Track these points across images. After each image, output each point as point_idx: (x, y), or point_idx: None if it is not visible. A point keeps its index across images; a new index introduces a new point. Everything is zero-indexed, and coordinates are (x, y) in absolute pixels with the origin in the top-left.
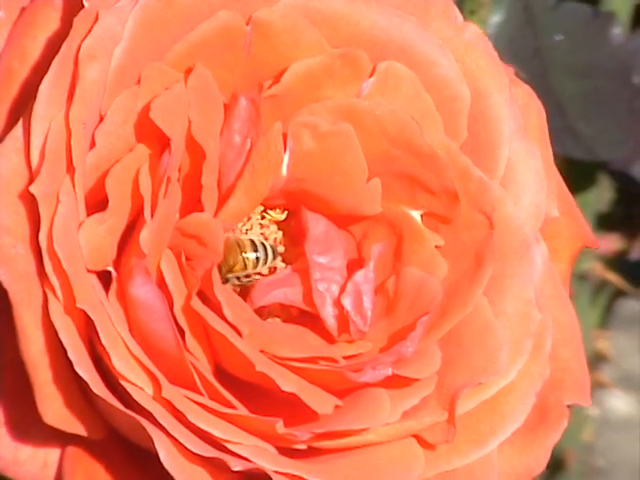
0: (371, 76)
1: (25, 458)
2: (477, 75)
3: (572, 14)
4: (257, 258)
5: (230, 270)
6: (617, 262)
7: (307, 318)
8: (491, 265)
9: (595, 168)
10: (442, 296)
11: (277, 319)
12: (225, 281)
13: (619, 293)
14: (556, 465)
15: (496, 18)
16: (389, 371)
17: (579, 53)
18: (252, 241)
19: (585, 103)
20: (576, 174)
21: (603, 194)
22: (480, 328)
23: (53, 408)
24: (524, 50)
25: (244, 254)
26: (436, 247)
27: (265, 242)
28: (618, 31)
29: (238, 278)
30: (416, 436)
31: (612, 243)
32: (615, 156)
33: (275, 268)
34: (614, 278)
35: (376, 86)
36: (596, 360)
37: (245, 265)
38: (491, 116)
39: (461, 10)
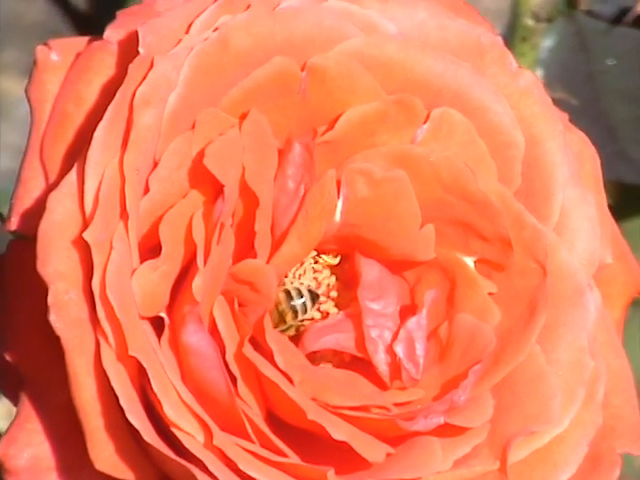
0: (425, 122)
1: None
2: (531, 121)
3: (624, 38)
4: (294, 308)
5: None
6: None
7: (359, 364)
8: (544, 312)
9: None
10: (495, 343)
11: (329, 364)
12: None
13: None
14: None
15: (548, 43)
16: (441, 420)
17: (631, 77)
18: (287, 291)
19: (637, 127)
20: (629, 198)
21: None
22: (533, 376)
23: (104, 454)
24: (576, 75)
25: (279, 307)
26: (489, 294)
27: (301, 287)
28: None
29: (282, 331)
30: None
31: None
32: None
33: (328, 313)
34: None
35: (430, 132)
36: None
37: (282, 318)
38: (545, 163)
39: (513, 37)
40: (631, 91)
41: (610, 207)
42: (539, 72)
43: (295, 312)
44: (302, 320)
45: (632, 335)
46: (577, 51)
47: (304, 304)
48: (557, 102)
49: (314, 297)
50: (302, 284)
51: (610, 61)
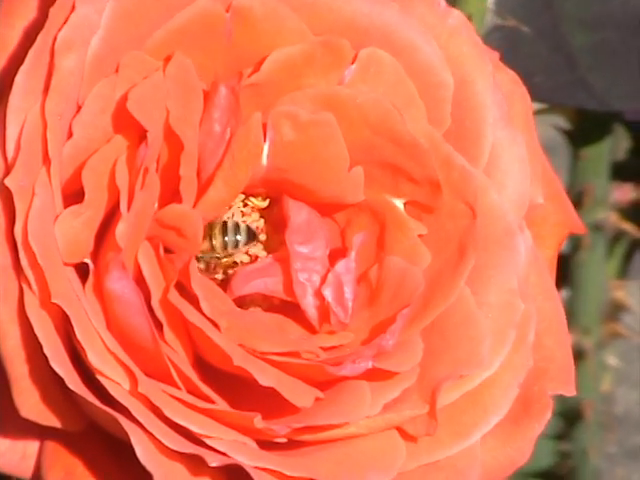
0: (353, 63)
1: (4, 449)
2: (461, 62)
3: None
4: (225, 241)
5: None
6: (633, 212)
7: (289, 308)
8: (474, 255)
9: (609, 118)
10: (424, 286)
11: (258, 308)
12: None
13: (636, 243)
14: (574, 416)
15: None
16: (369, 364)
17: (590, 5)
18: (224, 223)
19: (597, 54)
20: (590, 124)
21: (618, 144)
22: (463, 319)
23: (30, 402)
24: (535, 2)
25: (212, 236)
26: (419, 236)
27: (241, 224)
28: None
29: (206, 261)
30: (398, 428)
31: (628, 193)
32: (628, 107)
33: (257, 257)
34: (630, 228)
35: (358, 73)
36: (614, 310)
37: (212, 247)
38: (475, 104)
39: None
40: (590, 18)
41: (570, 134)
42: None
43: (225, 246)
44: (228, 255)
45: (595, 261)
46: None
47: (236, 240)
48: (509, 31)
49: (250, 237)
50: (244, 222)
51: None
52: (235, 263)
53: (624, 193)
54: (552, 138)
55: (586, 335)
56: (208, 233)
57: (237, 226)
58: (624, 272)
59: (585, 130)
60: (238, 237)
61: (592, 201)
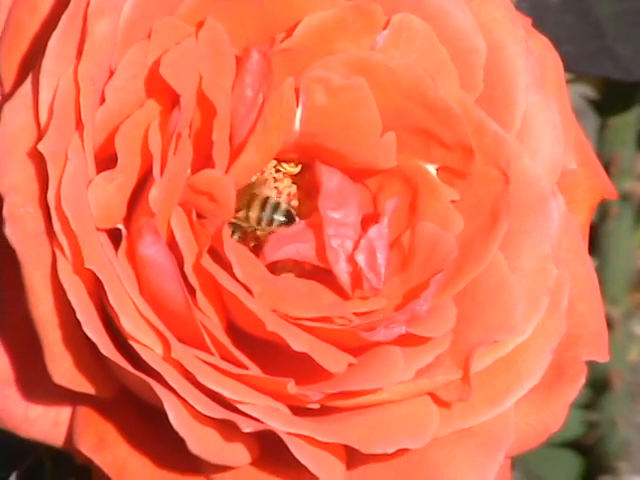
0: (385, 29)
1: (36, 417)
2: (493, 27)
3: None
4: (261, 216)
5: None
6: None
7: (321, 274)
8: (506, 220)
9: (635, 88)
10: (457, 252)
11: (290, 274)
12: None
13: None
14: (602, 385)
15: None
16: (402, 330)
17: None
18: (266, 199)
19: (623, 24)
20: (617, 94)
21: None
22: (496, 284)
23: (62, 368)
24: None
25: (251, 208)
26: (452, 202)
27: (282, 205)
28: None
29: (239, 228)
30: (431, 394)
31: None
32: None
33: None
34: None
35: (390, 39)
36: None
37: (247, 217)
38: (507, 69)
39: None
40: None
41: (596, 103)
42: None
43: (259, 221)
44: (261, 229)
45: (622, 230)
46: None
47: (272, 218)
48: (536, 1)
49: (288, 219)
50: (281, 193)
51: None
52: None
53: None
54: (579, 107)
55: (614, 305)
56: (248, 202)
57: (277, 205)
58: None
59: (612, 99)
60: (275, 216)
61: (619, 171)
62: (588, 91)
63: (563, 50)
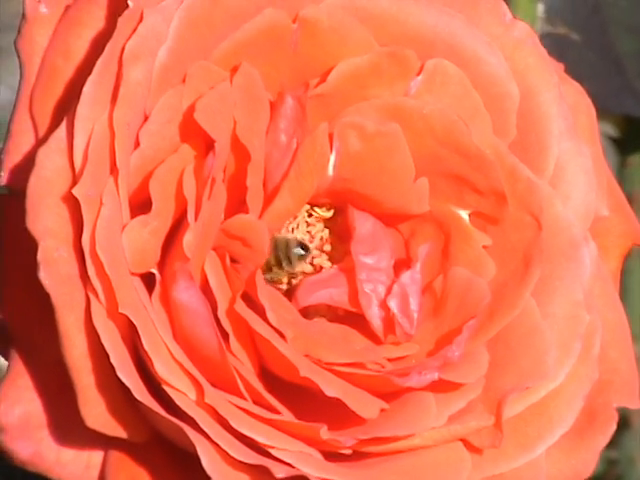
0: (419, 74)
1: (68, 460)
2: (526, 73)
3: None
4: (279, 261)
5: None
6: None
7: (353, 318)
8: (539, 266)
9: None
10: (490, 298)
11: (323, 319)
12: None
13: None
14: (621, 424)
15: None
16: (435, 376)
17: (638, 10)
18: (275, 242)
19: None
20: (637, 132)
21: None
22: (528, 330)
23: (95, 412)
24: (583, 7)
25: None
26: (484, 247)
27: (290, 239)
28: None
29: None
30: (463, 440)
31: None
32: None
33: (321, 267)
34: None
35: (424, 84)
36: None
37: (270, 268)
38: (540, 115)
39: None
40: (638, 24)
41: (617, 141)
42: (540, 7)
43: (281, 262)
44: (288, 272)
45: (635, 284)
46: None
47: (288, 256)
48: (558, 38)
49: (305, 251)
50: (314, 238)
51: None
52: (297, 274)
53: None
54: None
55: (635, 342)
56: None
57: (287, 242)
58: None
59: (632, 137)
60: (291, 253)
61: (639, 208)
62: (609, 129)
63: (584, 87)
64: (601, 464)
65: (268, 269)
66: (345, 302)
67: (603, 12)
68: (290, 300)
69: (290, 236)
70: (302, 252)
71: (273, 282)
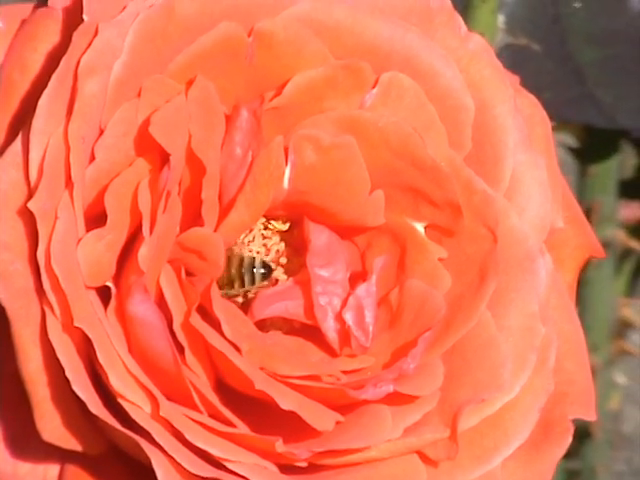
0: (374, 87)
1: (25, 473)
2: (481, 86)
3: None
4: (241, 279)
5: (229, 284)
6: None
7: (309, 330)
8: (495, 279)
9: (617, 135)
10: (445, 310)
11: (279, 332)
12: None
13: None
14: (582, 434)
15: None
16: (390, 388)
17: (598, 20)
18: (241, 258)
19: (605, 70)
20: (598, 142)
21: (626, 161)
22: (483, 343)
23: (51, 425)
24: (542, 17)
25: (230, 271)
26: (440, 260)
27: (256, 258)
28: None
29: (228, 295)
30: (418, 452)
31: (635, 211)
32: (635, 123)
33: (277, 280)
34: (638, 246)
35: (379, 97)
36: (622, 328)
37: (230, 282)
38: (495, 127)
39: None
40: (598, 33)
41: (578, 150)
42: (501, 18)
43: (242, 280)
44: (248, 290)
45: (603, 278)
46: None
47: (253, 275)
48: (519, 48)
49: (268, 271)
50: (258, 254)
51: (577, 3)
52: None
53: (631, 211)
54: (559, 156)
55: (594, 353)
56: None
57: (252, 261)
58: (632, 290)
59: (593, 147)
60: (255, 271)
61: (599, 219)
62: (569, 139)
63: (545, 97)
64: (562, 475)
65: (228, 284)
66: (301, 315)
67: (563, 22)
68: (246, 313)
69: (255, 255)
70: (265, 271)
71: (229, 296)
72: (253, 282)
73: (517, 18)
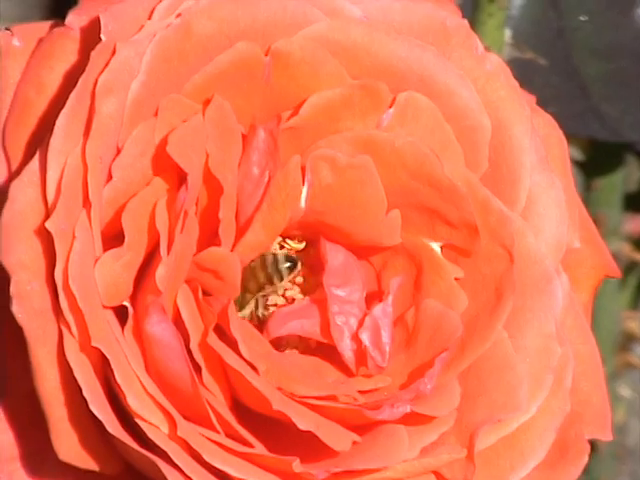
0: (391, 107)
1: None
2: (498, 106)
3: None
4: (269, 273)
5: (261, 288)
6: None
7: (325, 350)
8: (511, 299)
9: (621, 148)
10: (462, 330)
11: (295, 350)
12: (255, 304)
13: None
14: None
15: (518, 1)
16: (407, 408)
17: (603, 34)
18: (264, 259)
19: (609, 84)
20: (602, 155)
21: (630, 174)
22: (500, 363)
23: (68, 445)
24: (548, 31)
25: (256, 276)
26: (456, 279)
27: (278, 254)
28: None
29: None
30: (435, 472)
31: None
32: None
33: (293, 299)
34: None
35: (396, 117)
36: (627, 341)
37: (275, 277)
38: (512, 147)
39: None
40: (603, 47)
41: (583, 164)
42: (508, 32)
43: (271, 279)
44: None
45: (608, 291)
46: (548, 7)
47: (280, 272)
48: (525, 62)
49: (293, 263)
50: (281, 252)
51: (582, 17)
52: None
53: (636, 224)
54: None
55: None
56: (251, 276)
57: (276, 257)
58: (636, 303)
59: (597, 161)
60: (280, 267)
61: (604, 232)
62: (574, 152)
63: (550, 111)
64: None
65: (259, 289)
66: (317, 333)
67: (568, 36)
68: (262, 332)
69: (277, 252)
70: (291, 264)
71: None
72: (282, 278)
73: (523, 32)
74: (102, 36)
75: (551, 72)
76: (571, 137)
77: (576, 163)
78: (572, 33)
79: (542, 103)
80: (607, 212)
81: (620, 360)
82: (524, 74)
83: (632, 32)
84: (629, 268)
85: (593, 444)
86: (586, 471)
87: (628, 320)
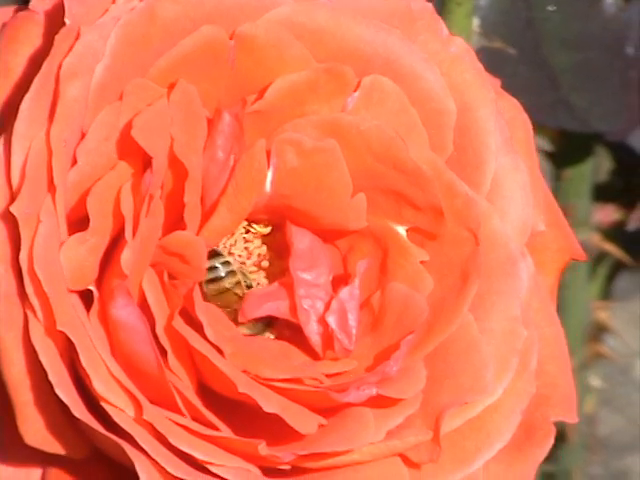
0: (356, 90)
1: (6, 477)
2: (463, 89)
3: None
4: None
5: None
6: (615, 233)
7: (294, 332)
8: (477, 282)
9: (591, 139)
10: (428, 313)
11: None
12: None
13: (618, 264)
14: (558, 437)
15: None
16: (373, 391)
17: (572, 24)
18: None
19: (578, 75)
20: (572, 145)
21: (600, 165)
22: (466, 345)
23: (34, 429)
24: (516, 22)
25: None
26: (422, 263)
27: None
28: (611, 1)
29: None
30: (401, 455)
31: (610, 214)
32: (609, 127)
33: (258, 283)
34: (613, 249)
35: (361, 100)
36: (597, 331)
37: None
38: (477, 130)
39: None
40: (572, 38)
41: (552, 155)
42: (476, 21)
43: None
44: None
45: (578, 282)
46: None
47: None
48: (494, 52)
49: (224, 259)
50: (251, 254)
51: (550, 7)
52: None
53: (606, 214)
54: None
55: (571, 356)
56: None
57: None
58: (607, 293)
59: (567, 151)
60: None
61: (574, 222)
62: (543, 143)
63: (519, 101)
64: (538, 478)
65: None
66: (289, 315)
67: (537, 26)
68: (235, 315)
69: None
70: (223, 261)
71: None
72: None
73: (491, 22)
74: (66, 20)
75: (520, 62)
76: (540, 127)
77: (545, 153)
78: (541, 23)
79: (511, 93)
80: (577, 202)
81: (590, 350)
82: (493, 63)
83: (601, 22)
84: (599, 258)
85: (563, 434)
86: (557, 461)
87: (598, 310)
